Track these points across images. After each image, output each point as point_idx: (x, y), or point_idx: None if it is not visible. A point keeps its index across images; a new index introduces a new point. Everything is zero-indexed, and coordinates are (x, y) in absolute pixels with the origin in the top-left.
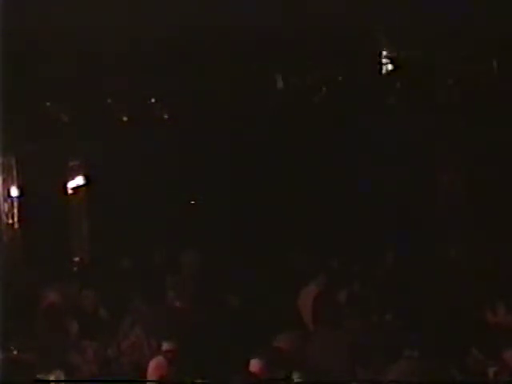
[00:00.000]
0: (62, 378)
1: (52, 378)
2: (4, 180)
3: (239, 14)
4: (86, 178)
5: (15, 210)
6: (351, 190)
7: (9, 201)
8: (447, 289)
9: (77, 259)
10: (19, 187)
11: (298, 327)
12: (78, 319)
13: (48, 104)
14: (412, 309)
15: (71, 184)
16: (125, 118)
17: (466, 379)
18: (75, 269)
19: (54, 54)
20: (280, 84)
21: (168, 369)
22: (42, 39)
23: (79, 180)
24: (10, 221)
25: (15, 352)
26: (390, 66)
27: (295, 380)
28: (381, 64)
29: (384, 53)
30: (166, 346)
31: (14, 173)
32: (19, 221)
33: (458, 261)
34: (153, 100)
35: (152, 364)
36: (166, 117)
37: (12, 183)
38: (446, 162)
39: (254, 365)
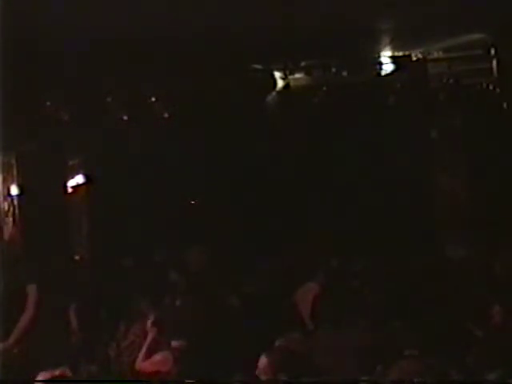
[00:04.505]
0: (69, 373)
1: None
2: (4, 178)
3: (239, 13)
4: (86, 176)
5: (15, 209)
6: (351, 190)
7: (9, 199)
8: (447, 289)
9: (77, 258)
10: (19, 186)
11: (298, 326)
12: (78, 318)
13: (48, 103)
14: (412, 309)
15: (71, 183)
16: (125, 117)
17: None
18: (75, 267)
19: (54, 53)
20: (280, 84)
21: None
22: (42, 38)
23: (79, 179)
24: (10, 219)
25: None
26: (390, 66)
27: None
28: (381, 64)
29: (384, 53)
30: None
31: (14, 171)
32: (19, 219)
33: (458, 261)
34: (153, 99)
35: (156, 357)
36: (166, 116)
37: (12, 182)
38: (446, 162)
39: (262, 362)
